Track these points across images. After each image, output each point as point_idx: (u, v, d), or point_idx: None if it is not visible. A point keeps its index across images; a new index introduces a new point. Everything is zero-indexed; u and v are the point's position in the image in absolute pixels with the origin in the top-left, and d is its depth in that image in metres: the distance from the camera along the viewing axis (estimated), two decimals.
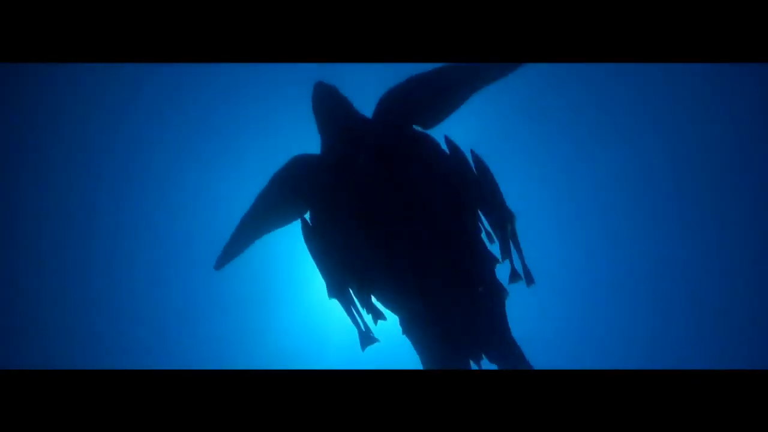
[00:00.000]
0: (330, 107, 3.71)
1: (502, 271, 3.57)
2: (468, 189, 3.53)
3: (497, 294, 3.50)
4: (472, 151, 3.58)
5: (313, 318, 8.53)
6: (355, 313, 3.57)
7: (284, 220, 3.93)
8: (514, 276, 3.49)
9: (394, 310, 3.63)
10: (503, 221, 3.49)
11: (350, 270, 3.59)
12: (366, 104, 3.82)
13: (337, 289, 3.58)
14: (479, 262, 3.49)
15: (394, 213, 3.45)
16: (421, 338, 3.59)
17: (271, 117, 8.31)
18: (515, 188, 3.86)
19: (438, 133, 3.72)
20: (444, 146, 3.61)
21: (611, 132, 8.74)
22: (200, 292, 9.05)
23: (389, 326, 3.65)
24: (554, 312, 8.78)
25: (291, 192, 3.78)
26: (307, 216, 3.73)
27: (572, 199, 8.84)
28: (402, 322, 3.63)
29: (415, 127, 3.70)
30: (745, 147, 8.84)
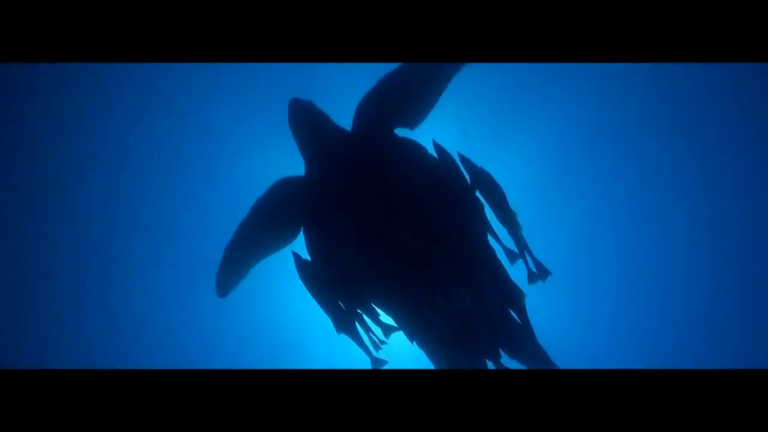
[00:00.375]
0: (308, 125, 3.59)
1: (517, 275, 3.54)
2: (463, 191, 3.48)
3: (513, 296, 3.43)
4: (459, 154, 3.51)
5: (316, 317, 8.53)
6: (365, 341, 3.51)
7: (276, 245, 3.82)
8: (532, 276, 3.44)
9: (403, 324, 3.55)
10: (507, 221, 3.46)
11: (355, 292, 3.50)
12: (345, 103, 3.72)
13: (344, 324, 3.51)
14: (488, 264, 3.43)
15: (391, 225, 3.38)
16: (434, 346, 3.52)
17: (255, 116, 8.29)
18: (511, 186, 3.80)
19: (422, 134, 3.67)
20: (428, 149, 3.54)
21: (606, 131, 8.75)
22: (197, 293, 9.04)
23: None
24: (554, 314, 8.78)
25: (279, 218, 3.69)
26: (300, 250, 3.65)
27: (570, 199, 8.83)
28: (412, 334, 3.55)
29: (397, 131, 3.62)
30: (745, 146, 8.84)
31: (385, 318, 3.57)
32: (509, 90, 8.15)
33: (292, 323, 8.83)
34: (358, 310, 3.53)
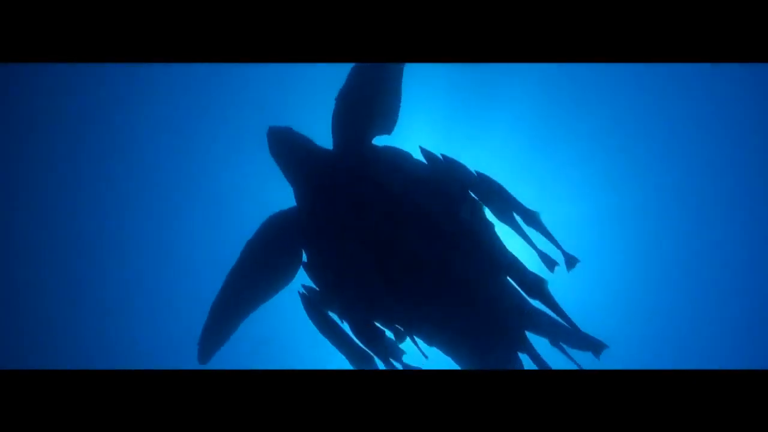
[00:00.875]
0: (290, 153, 3.48)
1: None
2: (458, 191, 3.43)
3: (535, 285, 3.31)
4: (444, 156, 3.44)
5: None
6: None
7: (271, 291, 3.60)
8: (570, 261, 3.33)
9: (424, 333, 3.41)
10: (505, 216, 3.39)
11: (375, 312, 3.36)
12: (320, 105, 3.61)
13: (363, 361, 3.33)
14: (502, 258, 3.36)
15: (398, 236, 3.30)
16: (460, 348, 3.42)
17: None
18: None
19: (402, 139, 3.63)
20: (412, 152, 3.49)
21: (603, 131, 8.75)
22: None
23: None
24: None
25: (277, 258, 3.50)
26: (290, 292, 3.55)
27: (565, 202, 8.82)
28: (431, 340, 3.43)
29: (379, 139, 3.57)
30: (745, 147, 8.83)
31: (409, 355, 3.42)
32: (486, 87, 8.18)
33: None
34: (379, 347, 3.34)
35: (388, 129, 3.57)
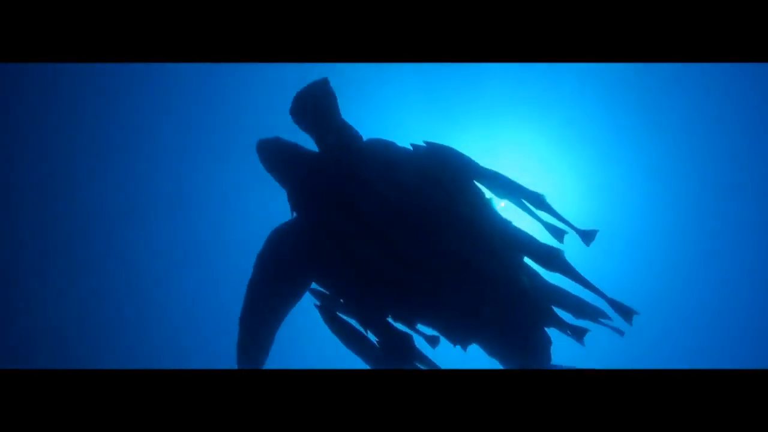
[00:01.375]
0: (279, 163, 3.51)
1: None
2: (454, 178, 3.41)
3: (552, 256, 3.27)
4: (427, 142, 3.42)
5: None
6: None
7: (293, 299, 3.57)
8: (588, 235, 3.27)
9: (455, 331, 3.40)
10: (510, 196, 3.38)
11: (397, 314, 3.37)
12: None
13: (376, 362, 3.32)
14: (513, 236, 3.32)
15: (398, 232, 3.29)
16: (493, 339, 3.39)
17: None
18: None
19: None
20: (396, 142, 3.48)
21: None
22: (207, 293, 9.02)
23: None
24: None
25: (286, 268, 3.50)
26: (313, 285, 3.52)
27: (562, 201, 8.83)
28: (464, 337, 3.40)
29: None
30: (745, 147, 8.84)
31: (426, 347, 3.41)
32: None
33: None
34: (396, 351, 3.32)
35: (353, 131, 3.54)
